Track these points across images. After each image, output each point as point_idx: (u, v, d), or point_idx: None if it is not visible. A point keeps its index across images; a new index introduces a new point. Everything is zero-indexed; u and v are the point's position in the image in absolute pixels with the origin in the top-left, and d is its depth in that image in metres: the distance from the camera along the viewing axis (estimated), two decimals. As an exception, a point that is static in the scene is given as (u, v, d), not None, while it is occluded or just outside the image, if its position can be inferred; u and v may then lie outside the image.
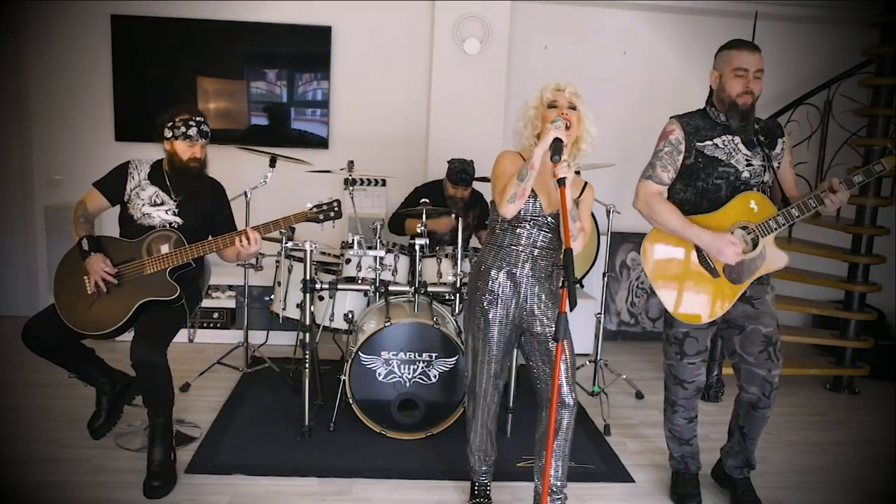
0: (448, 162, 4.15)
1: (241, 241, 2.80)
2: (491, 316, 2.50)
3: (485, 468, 2.75)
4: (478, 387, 2.60)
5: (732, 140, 2.60)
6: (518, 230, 2.49)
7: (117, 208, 3.00)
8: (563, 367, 2.41)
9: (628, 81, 5.15)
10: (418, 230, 3.53)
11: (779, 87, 4.87)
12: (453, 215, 3.88)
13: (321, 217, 2.90)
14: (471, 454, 2.74)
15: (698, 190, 2.63)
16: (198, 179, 2.96)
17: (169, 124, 2.88)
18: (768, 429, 3.57)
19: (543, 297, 2.50)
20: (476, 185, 4.32)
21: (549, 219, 2.48)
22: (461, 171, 4.04)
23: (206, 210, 3.01)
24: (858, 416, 3.95)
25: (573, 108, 2.45)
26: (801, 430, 3.69)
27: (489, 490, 2.77)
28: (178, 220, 2.93)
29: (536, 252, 2.49)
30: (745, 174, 2.59)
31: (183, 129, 2.86)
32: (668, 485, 2.97)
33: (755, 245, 2.57)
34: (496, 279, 2.50)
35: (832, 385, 4.37)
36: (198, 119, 2.90)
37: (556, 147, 2.27)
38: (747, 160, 2.60)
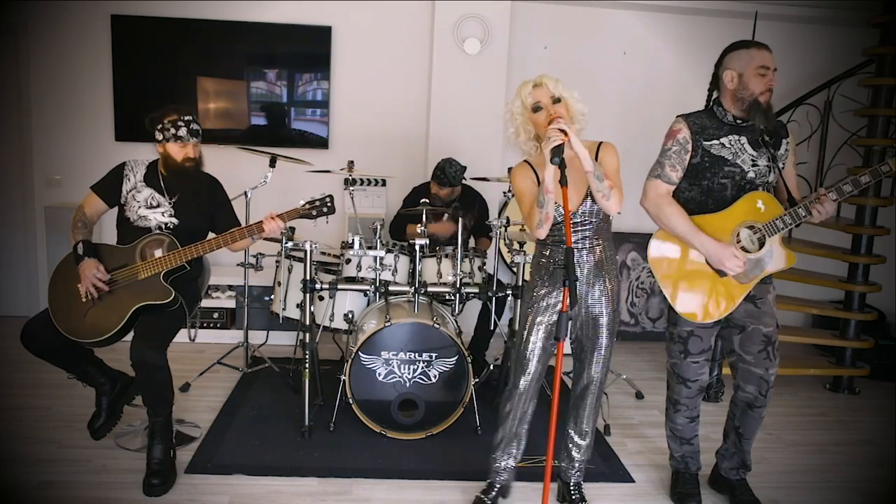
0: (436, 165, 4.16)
1: (267, 225, 2.83)
2: (542, 313, 2.51)
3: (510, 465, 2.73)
4: (522, 383, 2.57)
5: (739, 140, 2.60)
6: (559, 232, 2.50)
7: (115, 211, 2.99)
8: (605, 353, 2.58)
9: (628, 81, 5.15)
10: (419, 230, 3.53)
11: (779, 87, 4.74)
12: (454, 217, 3.88)
13: (314, 213, 2.90)
14: (503, 458, 2.71)
15: (703, 189, 2.62)
16: (194, 179, 2.95)
17: (158, 126, 2.86)
18: (768, 429, 3.60)
19: (596, 288, 2.52)
20: (477, 184, 4.33)
21: (580, 215, 2.48)
22: (440, 169, 4.03)
23: (204, 209, 3.00)
24: (858, 416, 3.95)
25: (557, 100, 2.42)
26: (801, 430, 3.69)
27: (508, 491, 2.76)
28: (175, 220, 2.92)
29: (581, 247, 2.50)
30: (751, 174, 2.59)
31: (172, 130, 2.84)
32: (668, 485, 2.97)
33: (762, 245, 2.57)
34: (553, 275, 2.52)
35: (832, 385, 4.37)
36: (186, 119, 2.87)
37: (555, 151, 2.25)
38: (753, 160, 2.59)
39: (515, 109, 2.47)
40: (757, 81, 2.54)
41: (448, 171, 4.01)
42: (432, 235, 3.94)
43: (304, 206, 2.91)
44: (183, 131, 2.85)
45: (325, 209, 2.91)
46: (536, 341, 2.53)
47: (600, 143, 2.52)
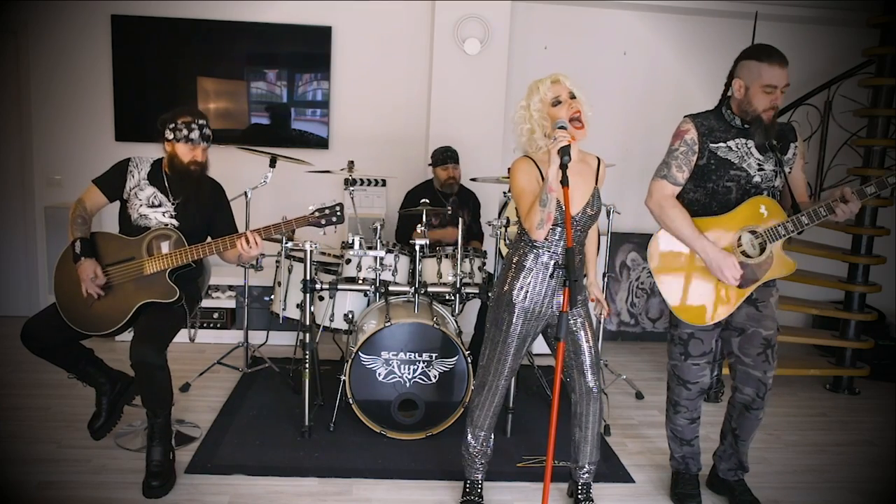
0: (431, 155, 4.35)
1: (242, 244, 2.79)
2: (518, 311, 2.49)
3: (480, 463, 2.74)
4: (492, 377, 2.58)
5: (746, 144, 2.58)
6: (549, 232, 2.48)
7: (116, 206, 2.98)
8: (589, 356, 2.53)
9: (628, 81, 5.15)
10: (419, 231, 3.53)
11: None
12: (454, 219, 3.93)
13: (323, 221, 2.85)
14: (470, 449, 2.71)
15: (708, 191, 2.61)
16: (198, 182, 2.94)
17: (171, 126, 2.86)
18: (768, 429, 3.60)
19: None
20: (471, 185, 4.34)
21: (577, 217, 2.48)
22: (439, 152, 4.28)
23: (205, 212, 2.99)
24: (858, 416, 3.95)
25: (573, 96, 2.43)
26: (801, 430, 3.69)
27: (481, 488, 2.75)
28: (175, 222, 2.91)
29: (563, 251, 2.48)
30: (757, 178, 2.57)
31: (185, 131, 2.84)
32: (668, 485, 2.97)
33: (762, 250, 2.57)
34: (529, 276, 2.49)
35: (832, 385, 4.37)
36: (200, 122, 2.87)
37: (563, 150, 2.24)
38: (759, 164, 2.58)
39: (533, 106, 2.44)
40: (761, 99, 2.50)
41: (448, 151, 4.26)
42: (437, 242, 3.96)
43: (312, 213, 2.86)
44: (195, 134, 2.85)
45: (334, 218, 2.85)
46: (512, 343, 2.52)
47: (599, 159, 2.59)
